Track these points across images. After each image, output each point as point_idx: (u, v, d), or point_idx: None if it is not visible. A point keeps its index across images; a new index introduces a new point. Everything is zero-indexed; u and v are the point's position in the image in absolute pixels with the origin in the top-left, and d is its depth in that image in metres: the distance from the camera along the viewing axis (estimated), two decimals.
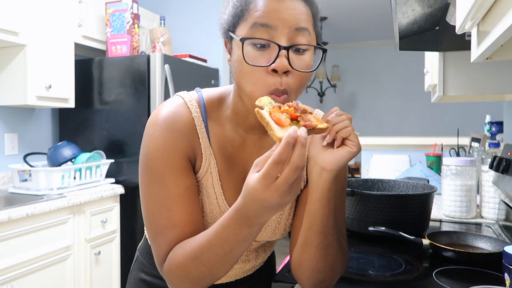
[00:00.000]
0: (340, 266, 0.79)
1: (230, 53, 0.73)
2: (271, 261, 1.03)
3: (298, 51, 0.67)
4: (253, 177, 0.57)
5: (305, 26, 0.67)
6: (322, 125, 0.62)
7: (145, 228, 0.83)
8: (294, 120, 0.60)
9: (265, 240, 0.87)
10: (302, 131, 0.56)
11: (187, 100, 0.77)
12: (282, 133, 0.56)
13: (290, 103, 0.62)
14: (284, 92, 0.67)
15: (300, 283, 0.80)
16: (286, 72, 0.66)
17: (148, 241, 0.76)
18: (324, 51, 0.71)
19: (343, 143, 0.68)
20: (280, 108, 0.61)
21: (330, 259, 0.75)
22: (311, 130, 0.61)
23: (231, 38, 0.71)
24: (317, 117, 0.62)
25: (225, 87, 0.82)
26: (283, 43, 0.65)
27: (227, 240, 0.63)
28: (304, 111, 0.62)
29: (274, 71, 0.66)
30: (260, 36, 0.66)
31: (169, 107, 0.76)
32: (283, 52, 0.65)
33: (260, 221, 0.61)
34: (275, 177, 0.55)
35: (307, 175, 0.80)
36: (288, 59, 0.65)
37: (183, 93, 0.79)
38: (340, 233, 0.79)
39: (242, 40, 0.66)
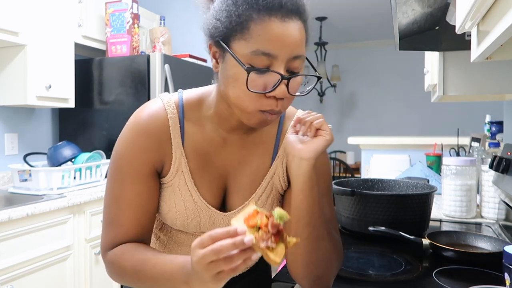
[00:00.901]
0: (335, 260, 0.81)
1: (217, 60, 0.74)
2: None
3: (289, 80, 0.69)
4: (196, 253, 0.60)
5: (302, 53, 0.70)
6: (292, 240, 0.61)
7: None
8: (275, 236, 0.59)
9: None
10: (247, 239, 0.57)
11: (165, 102, 0.81)
12: (277, 257, 0.58)
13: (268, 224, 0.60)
14: (278, 113, 0.72)
15: (298, 282, 0.81)
16: (280, 98, 0.69)
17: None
18: (319, 78, 0.75)
19: (316, 134, 0.73)
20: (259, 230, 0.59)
21: (322, 252, 0.77)
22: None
23: (223, 48, 0.70)
24: (285, 237, 0.61)
25: (206, 88, 0.84)
26: (282, 71, 0.67)
27: (164, 276, 0.71)
28: (279, 231, 0.60)
29: (273, 96, 0.68)
30: (261, 62, 0.67)
31: (147, 110, 0.81)
32: (284, 81, 0.67)
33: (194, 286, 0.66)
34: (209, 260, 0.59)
35: (287, 174, 0.85)
36: (287, 86, 0.68)
37: (164, 95, 0.83)
38: (332, 226, 0.82)
39: (249, 70, 0.66)
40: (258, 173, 0.84)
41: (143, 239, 0.81)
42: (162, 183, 0.83)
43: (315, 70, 0.78)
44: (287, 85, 0.68)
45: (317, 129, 0.73)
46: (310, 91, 0.75)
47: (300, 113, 0.89)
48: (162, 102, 0.81)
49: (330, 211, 0.86)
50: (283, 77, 0.67)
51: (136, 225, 0.80)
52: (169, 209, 0.83)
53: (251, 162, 0.84)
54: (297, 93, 0.73)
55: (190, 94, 0.84)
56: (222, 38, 0.70)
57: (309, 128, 0.73)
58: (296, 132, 0.75)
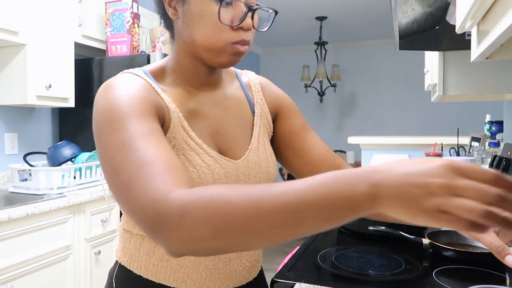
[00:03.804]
0: None
1: (175, 8, 0.74)
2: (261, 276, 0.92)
3: (254, 12, 0.73)
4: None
5: None
6: None
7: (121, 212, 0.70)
8: None
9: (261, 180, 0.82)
10: None
11: (133, 72, 0.75)
12: None
13: None
14: (247, 43, 0.73)
15: None
16: (247, 30, 0.72)
17: (118, 201, 0.59)
18: (276, 13, 0.76)
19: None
20: None
21: None
22: None
23: None
24: None
25: (161, 60, 0.83)
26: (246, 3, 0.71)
27: (318, 189, 0.46)
28: None
29: (240, 28, 0.71)
30: None
31: (118, 76, 0.73)
32: (249, 13, 0.71)
33: (374, 189, 0.43)
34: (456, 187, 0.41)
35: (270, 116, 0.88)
36: (252, 19, 0.71)
37: (129, 70, 0.78)
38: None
39: (220, 0, 0.69)
40: (244, 124, 0.84)
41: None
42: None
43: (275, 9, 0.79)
44: (252, 19, 0.71)
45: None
46: (269, 27, 0.77)
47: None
48: (130, 72, 0.75)
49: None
50: (250, 9, 0.70)
51: (170, 156, 0.59)
52: (193, 170, 0.72)
53: (233, 115, 0.83)
54: (261, 30, 0.75)
55: (149, 66, 0.80)
56: None
57: None
58: None
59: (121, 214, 2.44)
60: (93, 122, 0.67)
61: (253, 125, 0.85)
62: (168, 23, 0.78)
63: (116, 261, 0.85)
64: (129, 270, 0.80)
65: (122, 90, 0.68)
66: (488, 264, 1.02)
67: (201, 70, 0.78)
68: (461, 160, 0.44)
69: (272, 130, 0.90)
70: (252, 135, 0.84)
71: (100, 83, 2.58)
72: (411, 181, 0.42)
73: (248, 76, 0.91)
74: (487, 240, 0.69)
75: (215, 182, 0.73)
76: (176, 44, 0.78)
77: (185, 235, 0.49)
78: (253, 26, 0.72)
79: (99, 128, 0.65)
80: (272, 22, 0.77)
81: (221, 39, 0.70)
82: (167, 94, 0.76)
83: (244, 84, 0.89)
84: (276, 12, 0.76)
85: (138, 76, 0.74)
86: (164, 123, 0.72)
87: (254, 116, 0.86)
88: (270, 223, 0.47)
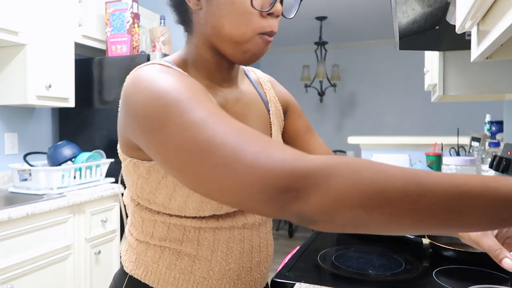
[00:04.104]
0: None
1: None
2: None
3: None
4: None
5: None
6: None
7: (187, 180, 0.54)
8: None
9: None
10: None
11: (163, 62, 0.68)
12: None
13: None
14: (273, 35, 0.69)
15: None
16: (277, 17, 0.68)
17: (214, 181, 0.50)
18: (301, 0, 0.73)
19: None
20: None
21: None
22: None
23: None
24: None
25: (177, 53, 0.77)
26: None
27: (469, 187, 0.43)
28: None
29: (269, 14, 0.67)
30: None
31: (152, 65, 0.65)
32: None
33: None
34: None
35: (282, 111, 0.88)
36: (281, 4, 0.68)
37: (153, 61, 0.71)
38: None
39: None
40: (263, 121, 0.82)
41: None
42: None
43: None
44: (281, 4, 0.68)
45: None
46: (295, 13, 0.74)
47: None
48: (159, 63, 0.68)
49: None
50: None
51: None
52: None
53: (253, 112, 0.81)
54: (289, 17, 0.72)
55: (171, 57, 0.75)
56: None
57: None
58: None
59: (121, 220, 2.45)
60: (138, 114, 0.58)
61: (271, 123, 0.83)
62: (185, 16, 0.73)
63: (124, 272, 0.77)
64: (144, 283, 0.74)
65: (169, 75, 0.61)
66: (488, 264, 1.02)
67: (222, 65, 0.74)
68: None
69: (282, 129, 0.89)
70: (271, 133, 0.83)
71: (100, 83, 2.58)
72: None
73: (255, 73, 0.89)
74: (486, 244, 0.70)
75: None
76: (195, 37, 0.73)
77: (330, 197, 0.44)
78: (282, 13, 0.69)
79: (158, 115, 0.55)
80: (298, 8, 0.72)
81: (250, 28, 0.66)
82: None
83: (254, 81, 0.86)
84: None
85: (164, 63, 0.67)
86: None
87: (269, 114, 0.84)
88: (429, 202, 0.43)
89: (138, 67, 0.66)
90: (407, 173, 0.44)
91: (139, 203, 0.73)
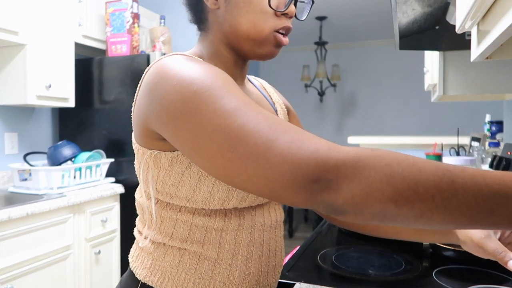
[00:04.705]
0: None
1: None
2: None
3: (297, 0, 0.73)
4: None
5: None
6: None
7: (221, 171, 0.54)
8: None
9: None
10: None
11: (185, 53, 0.70)
12: None
13: None
14: (289, 32, 0.72)
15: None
16: (290, 17, 0.71)
17: (245, 170, 0.50)
18: (313, 2, 0.76)
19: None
20: None
21: None
22: None
23: None
24: None
25: (191, 50, 0.78)
26: None
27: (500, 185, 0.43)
28: None
29: (284, 14, 0.70)
30: None
31: (175, 55, 0.65)
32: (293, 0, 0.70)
33: None
34: None
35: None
36: (295, 6, 0.71)
37: (173, 53, 0.71)
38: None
39: None
40: None
41: None
42: None
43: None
44: (295, 6, 0.71)
45: None
46: (307, 16, 0.77)
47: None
48: (175, 53, 0.68)
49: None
50: None
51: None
52: None
53: None
54: (302, 18, 0.75)
55: (190, 51, 0.77)
56: None
57: None
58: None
59: (121, 220, 2.45)
60: (167, 101, 0.57)
61: None
62: (201, 15, 0.74)
63: (135, 280, 0.73)
64: None
65: (196, 63, 0.62)
66: (488, 264, 1.02)
67: (238, 62, 0.76)
68: None
69: None
70: None
71: (100, 83, 2.58)
72: None
73: (258, 80, 0.92)
74: (491, 247, 0.70)
75: None
76: (211, 35, 0.74)
77: (361, 190, 0.45)
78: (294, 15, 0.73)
79: (191, 101, 0.55)
80: (309, 11, 0.76)
81: (267, 27, 0.69)
82: None
83: (258, 86, 0.88)
84: (313, 2, 0.76)
85: (194, 58, 0.67)
86: None
87: (277, 114, 0.85)
88: (461, 201, 0.43)
89: (159, 58, 0.66)
90: (441, 169, 0.44)
91: (159, 200, 0.70)
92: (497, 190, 0.43)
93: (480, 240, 0.72)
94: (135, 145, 0.72)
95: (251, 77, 0.91)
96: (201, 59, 0.69)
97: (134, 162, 0.74)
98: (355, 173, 0.45)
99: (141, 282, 0.72)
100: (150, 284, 0.71)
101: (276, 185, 0.48)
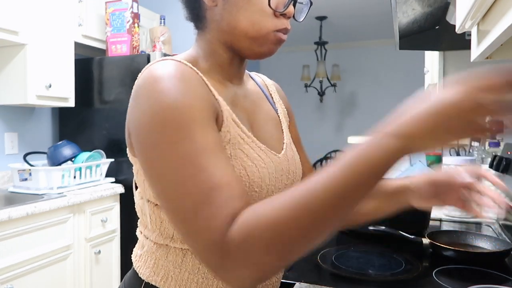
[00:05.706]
0: None
1: None
2: None
3: (296, 1, 0.73)
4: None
5: None
6: None
7: (169, 217, 0.59)
8: None
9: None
10: None
11: (179, 59, 0.67)
12: None
13: None
14: (287, 32, 0.72)
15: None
16: (288, 18, 0.71)
17: (177, 225, 0.56)
18: (311, 4, 0.77)
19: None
20: None
21: None
22: None
23: None
24: None
25: (188, 52, 0.77)
26: None
27: (345, 175, 0.50)
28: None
29: (282, 15, 0.70)
30: None
31: (164, 64, 0.64)
32: (292, 1, 0.70)
33: (406, 133, 0.53)
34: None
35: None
36: (294, 7, 0.71)
37: (166, 58, 0.69)
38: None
39: None
40: (272, 118, 0.83)
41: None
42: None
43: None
44: (294, 8, 0.71)
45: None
46: (305, 17, 0.77)
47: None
48: (174, 59, 0.67)
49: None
50: None
51: (236, 179, 0.57)
52: (251, 164, 0.68)
53: (261, 110, 0.82)
54: (300, 20, 0.76)
55: (184, 55, 0.75)
56: None
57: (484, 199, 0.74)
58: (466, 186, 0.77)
59: (121, 220, 2.44)
60: (138, 121, 0.60)
61: (280, 121, 0.84)
62: (198, 13, 0.73)
63: (139, 279, 0.73)
64: None
65: (178, 85, 0.60)
66: (488, 264, 1.02)
67: (234, 61, 0.75)
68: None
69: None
70: (282, 130, 0.83)
71: (100, 83, 2.58)
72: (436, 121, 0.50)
73: (260, 77, 0.91)
74: (443, 174, 0.80)
75: (270, 177, 0.70)
76: (208, 33, 0.74)
77: (255, 269, 0.52)
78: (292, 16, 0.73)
79: (153, 132, 0.58)
80: (308, 13, 0.76)
81: (265, 26, 0.69)
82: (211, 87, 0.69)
83: (259, 83, 0.87)
84: (311, 3, 0.76)
85: (183, 63, 0.66)
86: (218, 118, 0.66)
87: (277, 113, 0.85)
88: (324, 217, 0.50)
89: (152, 62, 0.66)
90: (295, 207, 0.50)
91: (157, 204, 0.70)
92: (342, 188, 0.50)
93: (430, 177, 0.81)
94: (128, 153, 0.72)
95: (253, 74, 0.90)
96: (191, 72, 0.65)
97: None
98: (245, 260, 0.51)
99: (145, 281, 0.72)
100: (153, 283, 0.71)
101: (199, 256, 0.55)
